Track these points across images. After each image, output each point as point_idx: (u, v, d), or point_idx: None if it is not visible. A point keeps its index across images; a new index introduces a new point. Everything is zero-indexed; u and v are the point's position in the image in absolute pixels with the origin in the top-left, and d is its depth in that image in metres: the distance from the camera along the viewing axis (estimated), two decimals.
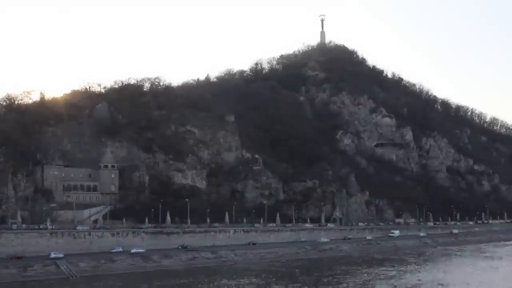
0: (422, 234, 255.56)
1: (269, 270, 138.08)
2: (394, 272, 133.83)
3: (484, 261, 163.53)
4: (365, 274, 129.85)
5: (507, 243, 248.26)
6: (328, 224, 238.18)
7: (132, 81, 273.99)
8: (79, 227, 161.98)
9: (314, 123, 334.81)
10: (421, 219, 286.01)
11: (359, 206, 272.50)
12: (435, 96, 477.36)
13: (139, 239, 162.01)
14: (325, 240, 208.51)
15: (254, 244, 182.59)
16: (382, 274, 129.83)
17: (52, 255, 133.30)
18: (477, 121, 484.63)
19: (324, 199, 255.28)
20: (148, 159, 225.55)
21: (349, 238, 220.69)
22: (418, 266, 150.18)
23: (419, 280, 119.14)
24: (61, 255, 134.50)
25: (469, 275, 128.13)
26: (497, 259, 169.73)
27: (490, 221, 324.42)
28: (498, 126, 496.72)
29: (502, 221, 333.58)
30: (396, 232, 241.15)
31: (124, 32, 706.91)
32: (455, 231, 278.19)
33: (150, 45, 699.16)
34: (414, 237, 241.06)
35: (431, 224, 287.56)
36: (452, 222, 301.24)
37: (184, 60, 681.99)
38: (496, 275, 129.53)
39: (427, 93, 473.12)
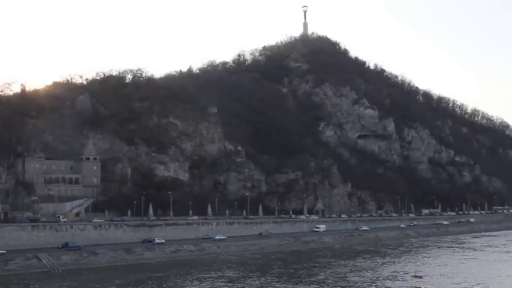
0: (445, 222, 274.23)
1: (248, 263, 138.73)
2: (371, 264, 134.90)
3: (461, 252, 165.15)
4: (342, 266, 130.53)
5: (486, 233, 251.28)
6: (312, 216, 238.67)
7: (114, 73, 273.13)
8: (95, 220, 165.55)
9: (297, 115, 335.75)
10: (402, 209, 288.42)
11: (342, 197, 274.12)
12: (417, 88, 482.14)
13: (121, 232, 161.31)
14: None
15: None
16: (359, 266, 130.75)
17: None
18: (459, 112, 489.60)
19: (306, 191, 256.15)
20: (130, 151, 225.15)
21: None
22: (395, 258, 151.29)
23: (394, 271, 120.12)
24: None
25: (444, 266, 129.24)
26: (474, 250, 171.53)
27: (470, 212, 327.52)
28: (479, 117, 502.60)
29: (483, 212, 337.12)
30: (322, 227, 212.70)
31: (106, 23, 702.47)
32: (471, 219, 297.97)
33: (132, 37, 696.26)
34: (396, 228, 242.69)
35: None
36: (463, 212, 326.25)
37: (167, 51, 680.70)
38: (471, 266, 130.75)
39: (409, 84, 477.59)
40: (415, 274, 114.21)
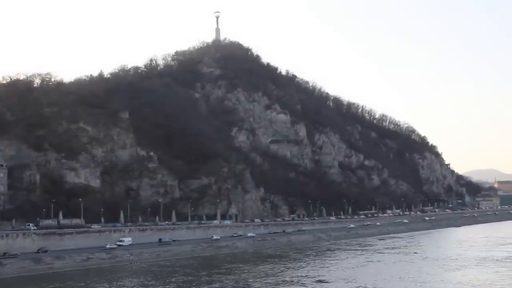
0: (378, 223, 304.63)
1: (155, 270, 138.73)
2: (276, 269, 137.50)
3: (365, 255, 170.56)
4: (247, 272, 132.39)
5: (393, 235, 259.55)
6: (225, 221, 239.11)
7: (22, 77, 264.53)
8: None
9: (210, 120, 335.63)
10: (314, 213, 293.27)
11: (255, 202, 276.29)
12: (327, 93, 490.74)
13: (30, 241, 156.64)
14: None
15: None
16: (264, 271, 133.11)
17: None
18: (368, 117, 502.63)
19: (219, 196, 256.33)
20: (39, 157, 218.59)
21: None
22: (302, 262, 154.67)
23: (297, 276, 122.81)
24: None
25: (347, 270, 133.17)
26: (377, 253, 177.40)
27: (380, 215, 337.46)
28: (387, 122, 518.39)
29: (391, 214, 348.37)
30: (127, 240, 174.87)
31: (12, 25, 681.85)
32: (427, 218, 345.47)
33: (40, 40, 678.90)
34: (308, 232, 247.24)
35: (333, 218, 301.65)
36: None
37: (77, 56, 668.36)
38: (372, 269, 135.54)
39: (319, 90, 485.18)
40: (317, 279, 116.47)
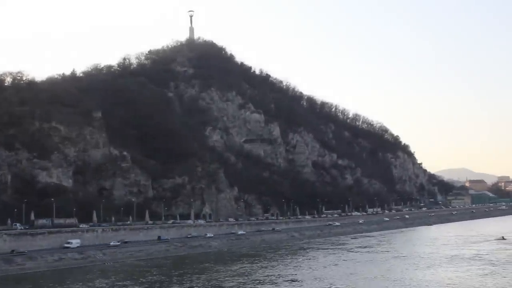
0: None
1: (127, 270, 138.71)
2: (248, 268, 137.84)
3: (337, 254, 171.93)
4: (219, 271, 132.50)
5: (366, 234, 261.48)
6: (199, 220, 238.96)
7: None
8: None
9: (183, 119, 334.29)
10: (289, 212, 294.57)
11: (228, 201, 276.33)
12: (301, 93, 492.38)
13: (1, 241, 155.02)
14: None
15: (125, 242, 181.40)
16: (236, 270, 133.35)
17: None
18: (341, 117, 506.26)
19: (193, 196, 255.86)
20: (10, 157, 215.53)
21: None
22: (274, 261, 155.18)
23: (269, 275, 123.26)
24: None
25: (318, 269, 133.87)
26: (349, 251, 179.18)
27: (353, 213, 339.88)
28: (360, 122, 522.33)
29: (364, 213, 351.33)
30: (75, 242, 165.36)
31: None
32: (407, 216, 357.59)
33: (11, 38, 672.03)
34: (282, 231, 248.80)
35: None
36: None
37: (49, 54, 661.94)
38: (343, 268, 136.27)
39: (293, 89, 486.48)
40: (288, 278, 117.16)
